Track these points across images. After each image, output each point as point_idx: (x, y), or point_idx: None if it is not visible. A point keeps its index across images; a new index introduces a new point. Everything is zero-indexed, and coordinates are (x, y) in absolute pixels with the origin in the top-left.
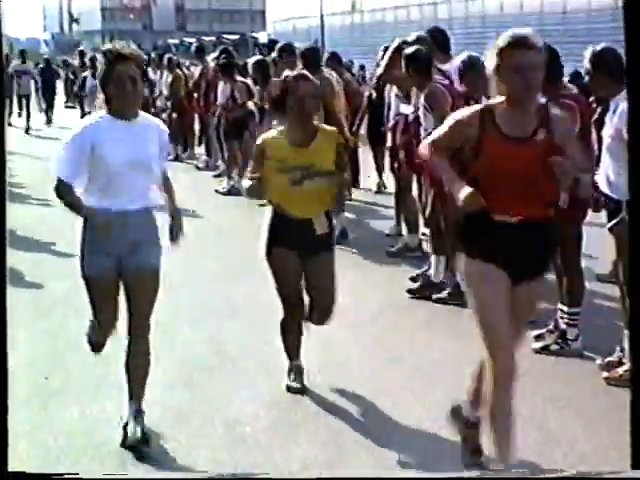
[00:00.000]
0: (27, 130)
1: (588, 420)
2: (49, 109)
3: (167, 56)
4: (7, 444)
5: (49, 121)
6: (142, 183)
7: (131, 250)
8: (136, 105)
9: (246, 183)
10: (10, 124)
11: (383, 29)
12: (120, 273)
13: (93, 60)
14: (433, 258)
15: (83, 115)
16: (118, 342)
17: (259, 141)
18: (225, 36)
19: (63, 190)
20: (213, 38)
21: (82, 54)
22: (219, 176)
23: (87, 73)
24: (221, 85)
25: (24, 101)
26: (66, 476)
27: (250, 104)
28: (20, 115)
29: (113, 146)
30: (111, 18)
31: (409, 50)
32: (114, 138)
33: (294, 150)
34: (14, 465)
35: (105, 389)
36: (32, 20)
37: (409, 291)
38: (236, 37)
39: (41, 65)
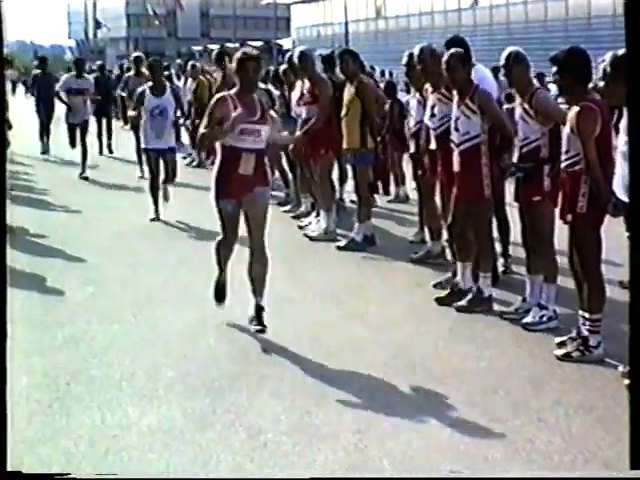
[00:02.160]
0: (85, 177)
1: (610, 427)
2: (108, 135)
3: (190, 63)
4: (6, 444)
5: (103, 150)
6: None
7: None
8: None
9: None
10: (46, 150)
11: (407, 35)
12: None
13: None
14: (459, 265)
15: (139, 148)
16: (137, 348)
17: None
18: (249, 43)
19: None
20: (237, 45)
21: (139, 61)
22: None
23: (146, 86)
24: None
25: (78, 133)
26: (61, 476)
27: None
28: (73, 146)
29: None
30: (136, 25)
31: (452, 51)
32: None
33: None
34: (36, 469)
35: (127, 395)
36: (57, 27)
37: (437, 300)
38: (260, 44)
39: (93, 74)
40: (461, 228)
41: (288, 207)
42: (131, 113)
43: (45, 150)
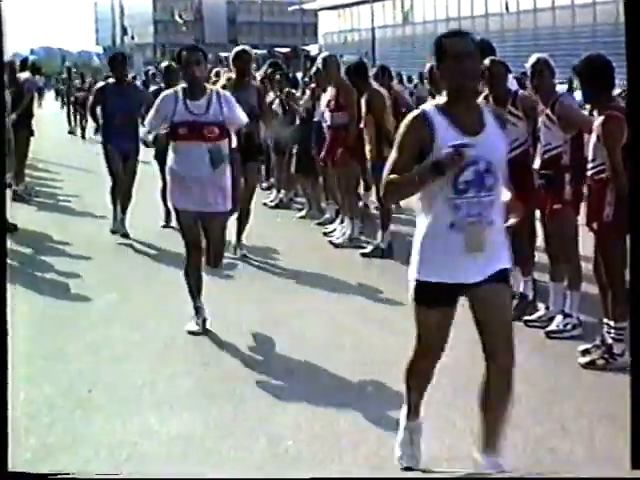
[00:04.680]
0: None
1: None
2: None
3: (215, 70)
4: (7, 444)
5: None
6: None
7: None
8: None
9: None
10: (124, 234)
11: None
12: None
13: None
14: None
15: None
16: (158, 355)
17: None
18: (277, 49)
19: None
20: (264, 51)
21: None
22: (268, 189)
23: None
24: (269, 98)
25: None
26: (60, 476)
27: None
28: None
29: None
30: (163, 31)
31: (494, 59)
32: None
33: None
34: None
35: (148, 402)
36: (84, 33)
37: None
38: (287, 50)
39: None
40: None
41: (303, 212)
42: None
43: (123, 233)
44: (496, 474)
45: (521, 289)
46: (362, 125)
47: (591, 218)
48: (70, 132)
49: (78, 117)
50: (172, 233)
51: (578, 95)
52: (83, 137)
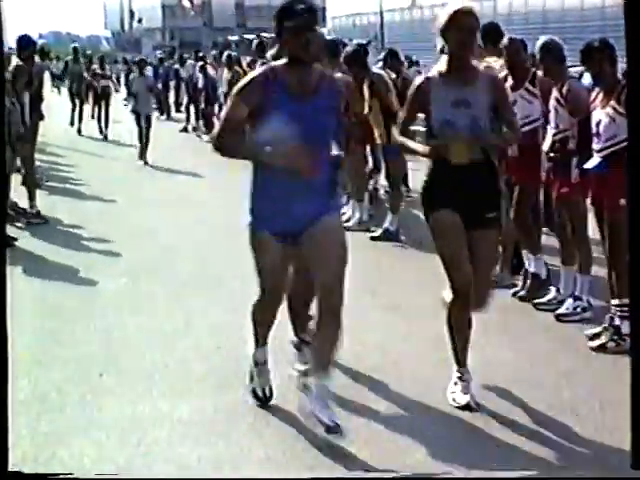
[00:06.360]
0: None
1: None
2: None
3: (226, 53)
4: (7, 444)
5: None
6: None
7: None
8: None
9: None
10: None
11: None
12: None
13: None
14: (532, 259)
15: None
16: (169, 339)
17: None
18: None
19: None
20: (273, 34)
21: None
22: None
23: None
24: None
25: None
26: (62, 476)
27: None
28: None
29: None
30: (172, 15)
31: (513, 37)
32: None
33: None
34: (68, 463)
35: (159, 387)
36: (93, 18)
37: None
38: None
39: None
40: (524, 219)
41: None
42: None
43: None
44: (496, 474)
45: (532, 269)
46: (366, 111)
47: (616, 195)
48: (79, 131)
49: (95, 112)
50: (185, 219)
51: (587, 78)
52: (105, 138)
